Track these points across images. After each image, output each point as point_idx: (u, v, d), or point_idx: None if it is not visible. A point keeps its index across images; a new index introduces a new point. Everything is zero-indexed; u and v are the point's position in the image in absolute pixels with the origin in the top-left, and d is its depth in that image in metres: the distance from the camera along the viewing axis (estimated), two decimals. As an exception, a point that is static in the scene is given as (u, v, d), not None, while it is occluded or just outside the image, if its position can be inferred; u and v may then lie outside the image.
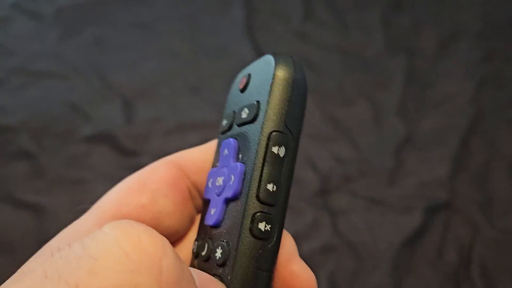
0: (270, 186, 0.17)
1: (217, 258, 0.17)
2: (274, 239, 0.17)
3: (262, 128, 0.18)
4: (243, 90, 0.20)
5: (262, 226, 0.17)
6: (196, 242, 0.19)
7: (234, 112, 0.20)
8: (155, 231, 0.14)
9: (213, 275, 0.17)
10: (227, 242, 0.17)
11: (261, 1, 0.78)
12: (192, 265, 0.19)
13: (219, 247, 0.17)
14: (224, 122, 0.20)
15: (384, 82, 0.68)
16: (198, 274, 0.16)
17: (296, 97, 0.19)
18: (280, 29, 0.75)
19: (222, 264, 0.17)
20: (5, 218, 0.55)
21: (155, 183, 0.20)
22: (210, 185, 0.19)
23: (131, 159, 0.60)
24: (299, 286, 0.18)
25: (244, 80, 0.20)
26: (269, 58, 0.19)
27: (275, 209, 0.17)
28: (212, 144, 0.21)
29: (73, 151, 0.60)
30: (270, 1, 0.78)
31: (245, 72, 0.21)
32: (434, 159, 0.60)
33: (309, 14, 0.77)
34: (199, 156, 0.21)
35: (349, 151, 0.61)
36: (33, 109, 0.64)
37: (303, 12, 0.77)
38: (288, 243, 0.19)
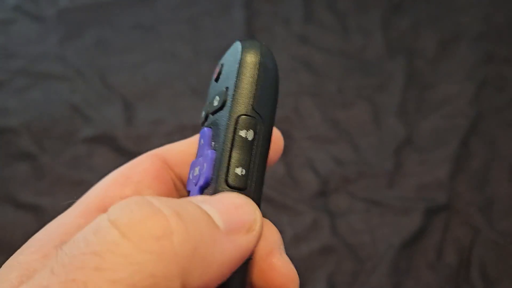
0: (238, 170, 0.17)
1: None
2: None
3: (229, 113, 0.18)
4: (216, 79, 0.20)
5: None
6: None
7: (210, 102, 0.20)
8: (158, 201, 0.14)
9: None
10: None
11: (262, 4, 0.79)
12: None
13: None
14: (203, 113, 0.20)
15: (384, 84, 0.68)
16: (218, 205, 0.15)
17: (265, 81, 0.19)
18: (280, 31, 0.75)
19: None
20: (6, 219, 0.55)
21: (139, 175, 0.20)
22: (190, 176, 0.19)
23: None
24: (278, 281, 0.17)
25: (217, 70, 0.20)
26: (237, 44, 0.20)
27: (246, 193, 0.17)
28: (196, 137, 0.21)
29: (74, 153, 0.61)
30: (271, 3, 0.79)
31: (220, 62, 0.21)
32: (434, 160, 0.60)
33: (310, 16, 0.77)
34: (183, 149, 0.21)
35: (348, 152, 0.61)
36: (35, 111, 0.64)
37: (304, 15, 0.77)
38: (270, 236, 0.18)
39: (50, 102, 0.65)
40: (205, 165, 0.17)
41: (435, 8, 0.78)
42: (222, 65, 0.20)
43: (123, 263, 0.12)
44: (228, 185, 0.17)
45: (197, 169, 0.18)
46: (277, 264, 0.17)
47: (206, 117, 0.19)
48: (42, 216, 0.55)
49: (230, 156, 0.17)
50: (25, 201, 0.56)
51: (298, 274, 0.54)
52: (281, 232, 0.58)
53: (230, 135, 0.17)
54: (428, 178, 0.59)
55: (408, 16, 0.76)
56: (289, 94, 0.67)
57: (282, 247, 0.18)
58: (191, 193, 0.18)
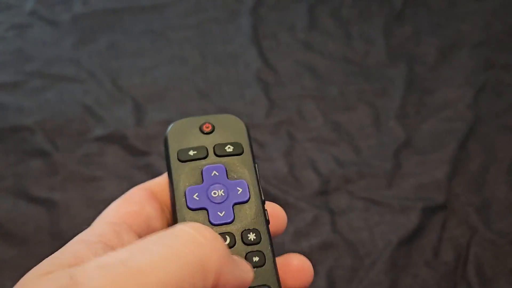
0: (262, 192, 0.27)
1: (252, 239, 0.25)
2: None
3: (252, 160, 0.28)
4: (208, 132, 0.28)
5: (267, 215, 0.27)
6: None
7: (205, 147, 0.28)
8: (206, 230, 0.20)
9: (241, 253, 0.25)
10: (254, 229, 0.25)
11: (268, 11, 0.82)
12: None
13: (250, 233, 0.25)
14: (192, 152, 0.27)
15: (385, 89, 0.71)
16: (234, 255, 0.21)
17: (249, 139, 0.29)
18: (285, 38, 0.78)
19: (257, 242, 0.25)
20: (19, 213, 0.57)
21: (138, 198, 0.26)
22: (197, 197, 0.26)
23: (141, 158, 0.62)
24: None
25: (209, 126, 0.28)
26: (233, 118, 0.29)
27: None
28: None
29: (86, 150, 0.63)
30: (276, 10, 0.82)
31: (198, 120, 0.29)
32: (432, 162, 0.62)
33: (314, 23, 0.80)
34: (162, 181, 0.28)
35: (349, 153, 0.63)
36: (49, 110, 0.67)
37: (308, 22, 0.80)
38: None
39: (63, 102, 0.68)
40: (239, 189, 0.26)
41: (436, 16, 0.80)
42: (212, 124, 0.28)
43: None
44: (263, 201, 0.26)
45: (219, 192, 0.26)
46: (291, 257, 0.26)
47: (205, 157, 0.27)
48: (54, 211, 0.58)
49: (259, 185, 0.27)
50: (38, 195, 0.59)
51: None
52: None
53: (256, 172, 0.27)
54: (426, 179, 0.61)
55: (410, 24, 0.79)
56: (293, 97, 0.70)
57: None
58: (213, 207, 0.25)
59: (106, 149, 0.63)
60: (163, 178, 0.28)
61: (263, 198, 0.26)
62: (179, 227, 0.19)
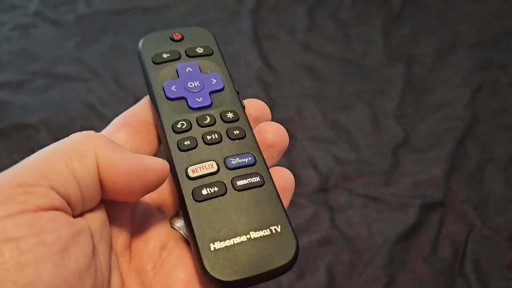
0: (235, 85, 0.29)
1: (230, 117, 0.27)
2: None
3: (222, 59, 0.30)
4: (179, 40, 0.30)
5: (241, 101, 0.28)
6: (184, 122, 0.26)
7: (178, 50, 0.29)
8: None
9: (222, 129, 0.27)
10: (231, 110, 0.27)
11: (268, 13, 0.83)
12: (187, 136, 0.26)
13: (229, 113, 0.27)
14: (165, 55, 0.29)
15: (383, 89, 0.72)
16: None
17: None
18: (285, 39, 0.79)
19: (235, 120, 0.27)
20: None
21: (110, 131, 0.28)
22: (174, 89, 0.27)
23: (143, 156, 0.63)
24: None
25: (179, 35, 0.30)
26: (201, 29, 0.31)
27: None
28: (142, 102, 0.29)
29: (89, 148, 0.64)
30: (276, 12, 0.83)
31: (168, 32, 0.30)
32: (430, 160, 0.63)
33: (313, 25, 0.81)
34: (134, 109, 0.29)
35: (348, 152, 0.64)
36: (53, 109, 0.68)
37: (307, 23, 0.81)
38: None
39: (67, 101, 0.69)
40: (214, 80, 0.28)
41: (434, 17, 0.81)
42: (181, 34, 0.31)
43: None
44: (236, 91, 0.28)
45: (194, 83, 0.28)
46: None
47: (179, 57, 0.29)
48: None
49: (232, 77, 0.29)
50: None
51: (299, 264, 0.56)
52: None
53: (226, 67, 0.29)
54: (424, 177, 0.61)
55: (408, 25, 0.80)
56: (292, 97, 0.71)
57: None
58: (191, 95, 0.27)
59: (109, 146, 0.64)
60: (134, 107, 0.29)
61: (237, 89, 0.28)
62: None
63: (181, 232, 0.25)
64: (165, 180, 0.23)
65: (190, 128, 0.26)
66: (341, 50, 0.77)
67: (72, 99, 0.70)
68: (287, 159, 0.63)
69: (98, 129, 0.68)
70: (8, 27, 0.79)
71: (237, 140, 0.26)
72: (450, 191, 0.60)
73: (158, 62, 0.29)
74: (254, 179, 0.25)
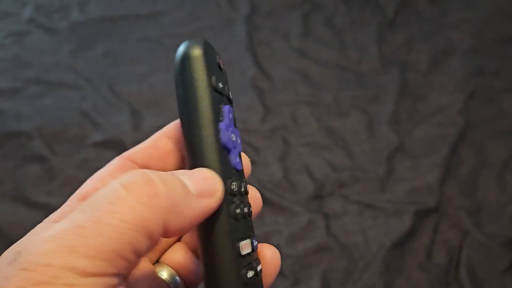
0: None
1: (244, 190, 0.24)
2: None
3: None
4: (221, 69, 0.24)
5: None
6: (234, 183, 0.23)
7: (226, 85, 0.23)
8: (151, 172, 0.20)
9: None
10: (245, 180, 0.24)
11: (263, 19, 0.83)
12: (236, 201, 0.23)
13: (244, 182, 0.24)
14: (220, 85, 0.22)
15: (378, 95, 0.72)
16: (192, 177, 0.21)
17: None
18: (280, 45, 0.79)
19: (246, 192, 0.24)
20: (17, 217, 0.58)
21: (117, 166, 0.26)
22: (225, 135, 0.22)
23: (138, 163, 0.63)
24: None
25: (221, 61, 0.24)
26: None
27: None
28: (155, 137, 0.26)
29: (84, 156, 0.64)
30: (271, 18, 0.83)
31: (211, 52, 0.23)
32: (424, 166, 0.63)
33: (308, 31, 0.81)
34: (142, 148, 0.27)
35: (343, 158, 0.64)
36: (47, 116, 0.68)
37: (302, 30, 0.81)
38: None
39: (61, 108, 0.69)
40: (239, 140, 0.24)
41: (428, 24, 0.82)
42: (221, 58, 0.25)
43: (127, 209, 0.18)
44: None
45: (233, 136, 0.23)
46: None
47: (222, 94, 0.23)
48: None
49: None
50: (36, 200, 0.59)
51: (294, 271, 0.56)
52: (278, 232, 0.61)
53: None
54: (418, 183, 0.62)
55: (402, 31, 0.80)
56: (287, 104, 0.71)
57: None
58: (233, 151, 0.23)
59: (104, 154, 0.64)
60: (143, 146, 0.26)
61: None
62: (114, 183, 0.19)
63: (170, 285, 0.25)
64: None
65: (239, 193, 0.22)
66: (336, 57, 0.77)
67: (66, 106, 0.69)
68: (282, 166, 0.63)
69: (91, 137, 0.67)
70: (1, 35, 0.79)
71: (249, 218, 0.23)
72: (445, 198, 0.61)
73: (218, 90, 0.22)
74: (258, 268, 0.22)
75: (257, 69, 0.75)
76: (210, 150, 0.21)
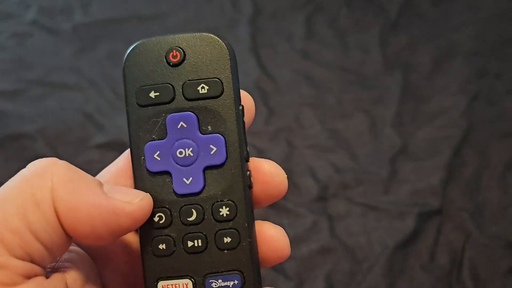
0: (247, 149, 0.21)
1: (224, 215, 0.20)
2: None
3: (234, 103, 0.20)
4: (177, 64, 0.20)
5: (251, 179, 0.21)
6: (162, 214, 0.20)
7: (171, 85, 0.20)
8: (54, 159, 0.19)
9: (210, 232, 0.20)
10: (228, 201, 0.20)
11: (266, 21, 0.83)
12: (165, 234, 0.20)
13: (224, 206, 0.20)
14: (153, 94, 0.20)
15: (381, 97, 0.72)
16: (113, 185, 0.19)
17: (236, 69, 0.21)
18: (283, 47, 0.79)
19: (230, 219, 0.20)
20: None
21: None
22: (158, 156, 0.20)
23: (141, 165, 0.63)
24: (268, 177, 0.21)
25: (178, 54, 0.21)
26: (213, 37, 0.21)
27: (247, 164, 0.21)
28: (123, 157, 0.23)
29: (86, 158, 0.64)
30: (274, 20, 0.83)
31: (164, 44, 0.21)
32: (427, 168, 0.63)
33: (311, 33, 0.81)
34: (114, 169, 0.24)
35: (346, 160, 0.65)
36: (50, 118, 0.68)
37: (305, 32, 0.81)
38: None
39: (64, 110, 0.69)
40: (213, 147, 0.20)
41: (430, 26, 0.82)
42: (183, 50, 0.21)
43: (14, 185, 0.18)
44: (247, 161, 0.21)
45: (186, 150, 0.20)
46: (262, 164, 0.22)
47: (171, 100, 0.20)
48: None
49: (244, 140, 0.20)
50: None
51: (298, 273, 0.57)
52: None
53: (240, 123, 0.20)
54: (422, 185, 0.62)
55: (405, 33, 0.80)
56: (291, 105, 0.71)
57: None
58: (177, 172, 0.20)
59: (107, 155, 0.64)
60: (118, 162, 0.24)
61: (246, 157, 0.21)
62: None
63: None
64: (144, 221, 0.19)
65: (170, 224, 0.20)
66: (339, 58, 0.77)
67: (68, 108, 0.69)
68: (286, 168, 0.63)
69: (95, 139, 0.67)
70: (4, 36, 0.79)
71: (226, 251, 0.20)
72: (448, 199, 0.61)
73: (143, 104, 0.20)
74: None
75: (261, 71, 0.75)
76: (135, 175, 0.20)
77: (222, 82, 0.20)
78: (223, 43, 0.21)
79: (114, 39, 0.79)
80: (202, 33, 0.21)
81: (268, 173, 0.21)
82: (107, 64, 0.76)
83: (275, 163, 0.22)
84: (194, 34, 0.21)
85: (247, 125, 0.22)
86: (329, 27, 0.82)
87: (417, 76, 0.75)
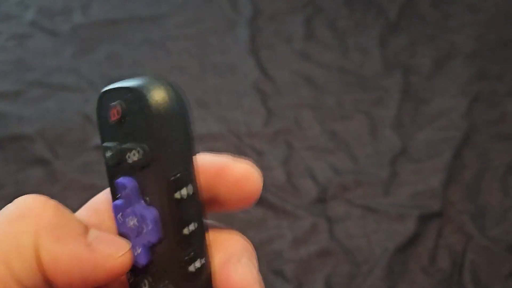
0: (186, 230, 0.17)
1: None
2: (206, 262, 0.18)
3: (161, 177, 0.17)
4: (118, 122, 0.18)
5: (196, 263, 0.18)
6: (133, 278, 0.19)
7: (119, 147, 0.18)
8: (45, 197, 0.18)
9: None
10: (167, 284, 0.18)
11: (265, 22, 0.83)
12: None
13: None
14: (109, 153, 0.18)
15: (381, 98, 0.72)
16: (99, 233, 0.18)
17: (179, 130, 0.17)
18: (282, 48, 0.79)
19: None
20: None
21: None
22: (120, 220, 0.18)
23: (140, 167, 0.63)
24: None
25: (117, 112, 0.17)
26: (140, 89, 0.17)
27: (199, 241, 0.18)
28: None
29: (86, 159, 0.64)
30: (273, 21, 0.83)
31: (113, 95, 0.18)
32: (427, 170, 0.63)
33: (310, 34, 0.81)
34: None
35: (346, 162, 0.64)
36: (49, 119, 0.68)
37: (305, 33, 0.81)
38: (230, 245, 0.19)
39: (63, 111, 0.69)
40: (149, 223, 0.17)
41: (430, 27, 0.82)
42: (121, 105, 0.17)
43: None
44: (184, 241, 0.17)
45: (132, 221, 0.18)
46: (231, 274, 0.18)
47: (119, 162, 0.18)
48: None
49: (176, 218, 0.17)
50: (38, 204, 0.59)
51: (297, 276, 0.56)
52: (281, 236, 0.60)
53: (166, 199, 0.17)
54: (422, 187, 0.62)
55: (405, 35, 0.80)
56: (290, 107, 0.71)
57: (243, 256, 0.19)
58: (132, 242, 0.18)
59: (106, 157, 0.64)
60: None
61: (182, 240, 0.17)
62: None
63: None
64: (121, 275, 0.18)
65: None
66: (339, 60, 0.77)
67: (68, 109, 0.69)
68: (285, 170, 0.63)
69: (94, 140, 0.67)
70: (4, 37, 0.79)
71: None
72: (448, 202, 0.61)
73: (111, 164, 0.18)
74: None
75: (260, 72, 0.75)
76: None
77: (153, 145, 0.17)
78: (143, 93, 0.16)
79: (113, 41, 0.79)
80: (148, 77, 0.17)
81: (239, 176, 0.19)
82: (106, 65, 0.76)
83: (248, 163, 0.19)
84: (140, 79, 0.17)
85: (245, 201, 0.19)
86: (328, 28, 0.82)
87: (417, 77, 0.75)
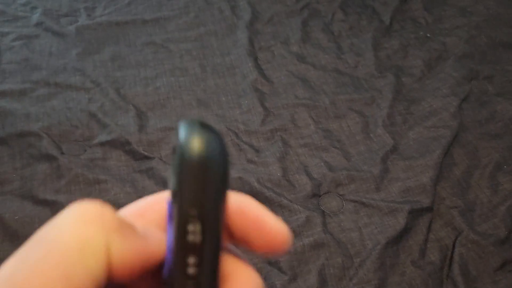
0: (191, 270, 0.17)
1: None
2: None
3: (177, 219, 0.17)
4: (173, 151, 0.18)
5: None
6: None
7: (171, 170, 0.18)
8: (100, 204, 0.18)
9: None
10: None
11: (263, 25, 0.85)
12: None
13: None
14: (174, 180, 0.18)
15: (374, 99, 0.74)
16: (145, 228, 0.19)
17: (211, 181, 0.17)
18: (280, 50, 0.81)
19: None
20: (26, 214, 0.60)
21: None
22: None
23: (143, 163, 0.66)
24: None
25: (172, 144, 0.18)
26: (179, 136, 0.17)
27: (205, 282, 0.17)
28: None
29: (91, 155, 0.66)
30: (271, 25, 0.85)
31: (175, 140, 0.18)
32: (418, 167, 0.65)
33: (307, 37, 0.84)
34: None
35: (340, 159, 0.67)
36: (55, 117, 0.70)
37: (301, 36, 0.84)
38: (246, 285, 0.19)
39: (69, 109, 0.71)
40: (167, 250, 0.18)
41: (423, 30, 0.84)
42: (173, 141, 0.18)
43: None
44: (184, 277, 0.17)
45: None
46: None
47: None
48: (58, 212, 0.60)
49: (182, 260, 0.17)
50: (44, 198, 0.61)
51: (292, 267, 0.58)
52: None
53: (178, 240, 0.17)
54: (413, 183, 0.64)
55: (397, 37, 0.83)
56: (287, 106, 0.73)
57: None
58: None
59: (110, 153, 0.66)
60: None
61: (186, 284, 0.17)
62: (60, 217, 0.17)
63: None
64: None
65: None
66: (334, 61, 0.79)
67: (73, 107, 0.72)
68: (281, 166, 0.65)
69: (98, 137, 0.69)
70: (11, 37, 0.81)
71: None
72: (438, 197, 0.62)
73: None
74: None
75: (258, 73, 0.77)
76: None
77: (174, 191, 0.17)
78: (180, 143, 0.16)
79: (117, 42, 0.82)
80: (192, 129, 0.17)
81: (274, 237, 0.19)
82: (111, 66, 0.78)
83: (278, 220, 0.19)
84: (188, 127, 0.17)
85: (271, 256, 0.17)
86: (324, 31, 0.84)
87: (409, 78, 0.77)
